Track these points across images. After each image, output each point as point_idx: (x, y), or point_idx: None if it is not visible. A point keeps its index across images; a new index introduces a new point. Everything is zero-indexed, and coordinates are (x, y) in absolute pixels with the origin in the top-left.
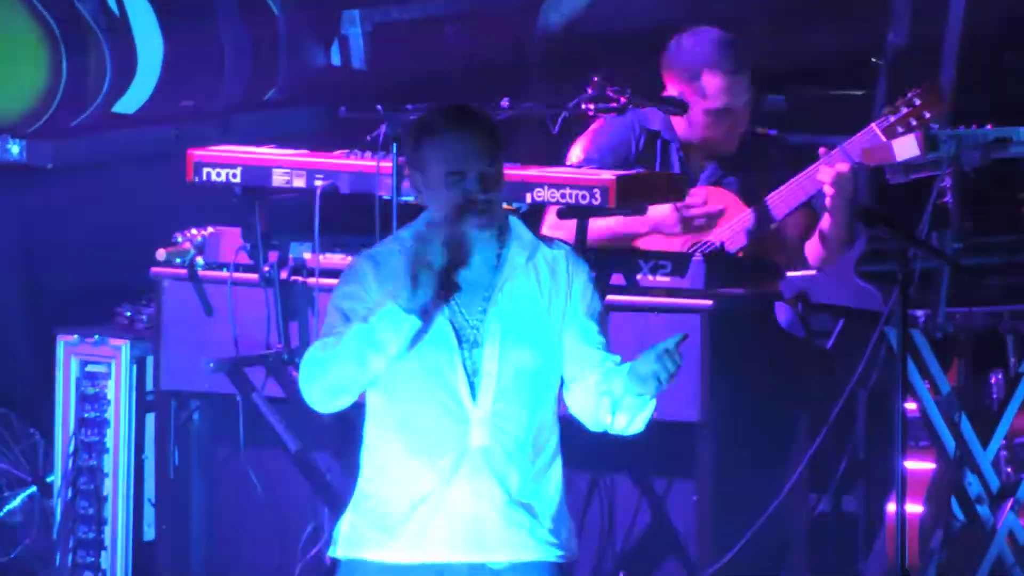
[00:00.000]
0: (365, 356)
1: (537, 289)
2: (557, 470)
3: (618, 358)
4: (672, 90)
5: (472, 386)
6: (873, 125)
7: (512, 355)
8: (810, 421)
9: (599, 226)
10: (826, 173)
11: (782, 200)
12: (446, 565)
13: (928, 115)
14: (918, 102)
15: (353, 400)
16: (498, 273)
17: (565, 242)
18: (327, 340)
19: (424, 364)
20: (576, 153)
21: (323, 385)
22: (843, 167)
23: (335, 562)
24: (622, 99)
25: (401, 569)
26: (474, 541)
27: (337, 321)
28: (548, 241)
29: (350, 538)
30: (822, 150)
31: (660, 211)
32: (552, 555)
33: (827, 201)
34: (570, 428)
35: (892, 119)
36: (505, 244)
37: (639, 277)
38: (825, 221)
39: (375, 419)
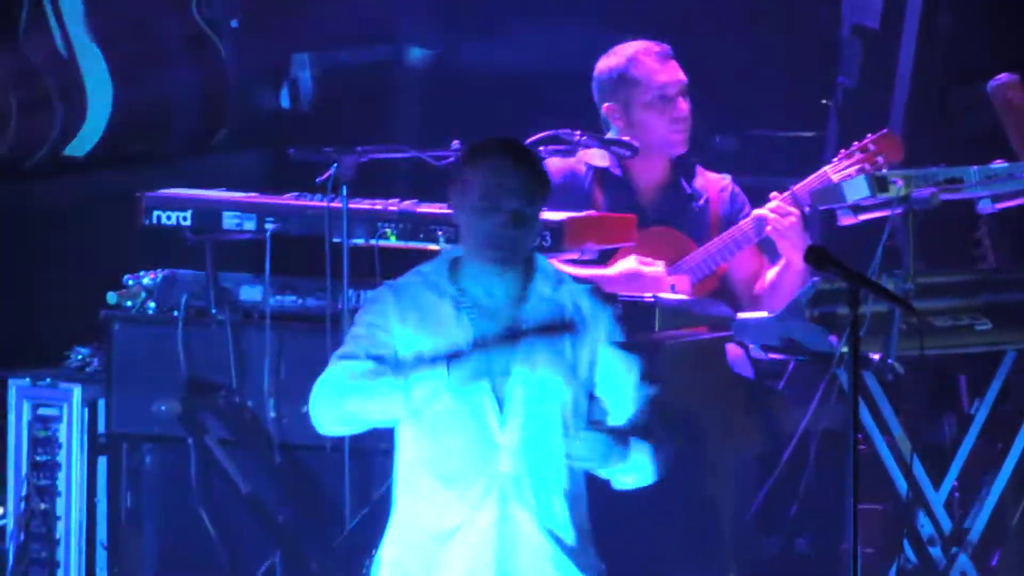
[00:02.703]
0: (392, 404)
1: (562, 320)
2: (583, 499)
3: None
4: (608, 108)
5: (501, 415)
6: (825, 169)
7: (539, 384)
8: (762, 463)
9: None
10: (775, 220)
11: (732, 241)
12: None
13: (882, 161)
14: (873, 148)
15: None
16: (524, 304)
17: (590, 280)
18: (351, 368)
19: (454, 395)
20: None
21: (339, 413)
22: (792, 213)
23: None
24: (573, 140)
25: None
26: (503, 569)
27: (359, 346)
28: (572, 277)
29: (394, 568)
30: (773, 194)
31: (624, 266)
32: None
33: (778, 247)
34: None
35: (846, 164)
36: (531, 278)
37: None
38: (777, 265)
39: (405, 451)
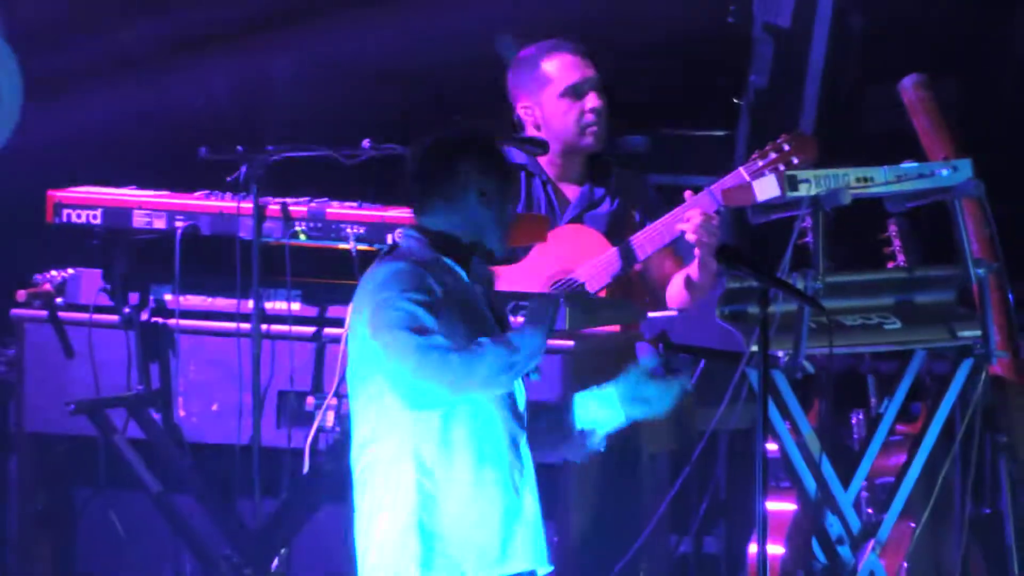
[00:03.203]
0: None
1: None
2: None
3: None
4: (522, 106)
5: (520, 397)
6: (741, 168)
7: None
8: (671, 462)
9: None
10: (689, 220)
11: (646, 241)
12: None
13: (796, 161)
14: (787, 147)
15: None
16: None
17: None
18: (444, 344)
19: None
20: None
21: (485, 373)
22: (707, 214)
23: None
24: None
25: None
26: (542, 548)
27: (420, 320)
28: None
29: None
30: (687, 193)
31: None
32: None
33: (695, 250)
34: None
35: (760, 163)
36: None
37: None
38: (691, 266)
39: (435, 446)
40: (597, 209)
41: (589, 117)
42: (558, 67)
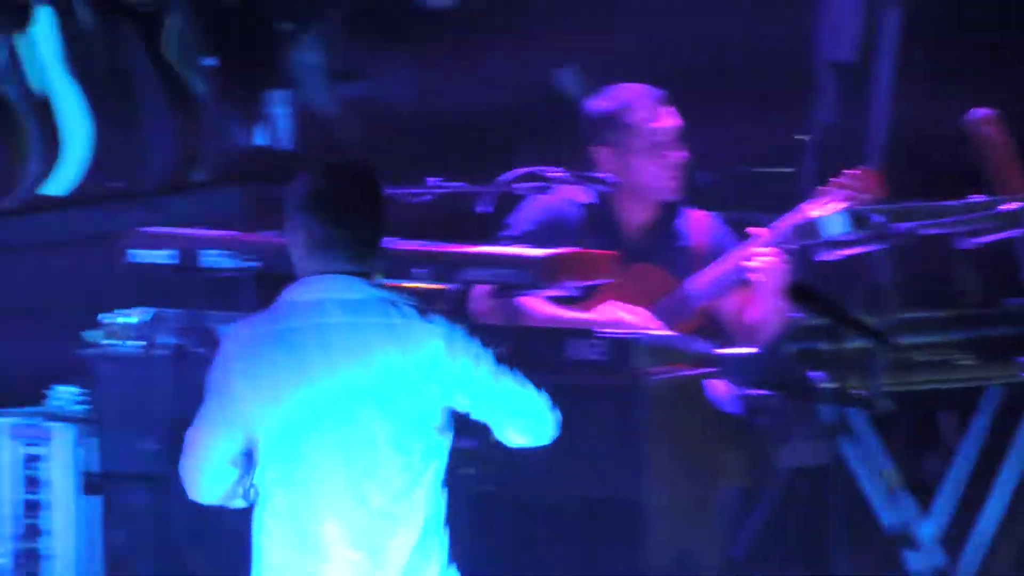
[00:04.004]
0: None
1: None
2: None
3: None
4: (598, 150)
5: None
6: (807, 205)
7: None
8: (747, 497)
9: (539, 316)
10: (754, 258)
11: (714, 278)
12: None
13: (861, 196)
14: (852, 183)
15: None
16: None
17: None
18: None
19: None
20: (513, 229)
21: None
22: (772, 252)
23: None
24: (549, 177)
25: None
26: None
27: None
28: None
29: None
30: (753, 230)
31: (608, 312)
32: None
33: (756, 288)
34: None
35: (825, 200)
36: None
37: (574, 355)
38: (758, 303)
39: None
40: (666, 249)
41: (669, 171)
42: (641, 119)
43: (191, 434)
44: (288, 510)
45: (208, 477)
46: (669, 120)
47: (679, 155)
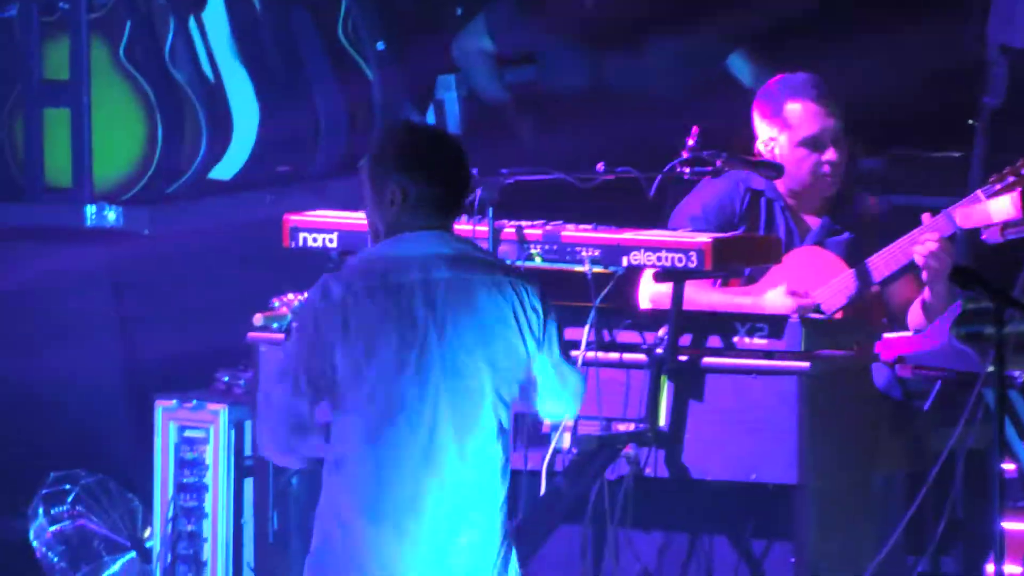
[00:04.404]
0: None
1: None
2: None
3: None
4: (762, 137)
5: None
6: (979, 192)
7: None
8: (908, 482)
9: (704, 301)
10: (924, 243)
11: (883, 263)
12: None
13: None
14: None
15: None
16: None
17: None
18: None
19: None
20: (681, 214)
21: None
22: (943, 238)
23: None
24: (717, 162)
25: None
26: None
27: None
28: None
29: None
30: (925, 216)
31: (774, 299)
32: None
33: (923, 274)
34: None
35: (998, 186)
36: None
37: (735, 339)
38: (925, 290)
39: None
40: (838, 236)
41: (825, 169)
42: (799, 114)
43: (270, 388)
44: (380, 463)
45: (292, 432)
46: (824, 118)
47: (832, 155)
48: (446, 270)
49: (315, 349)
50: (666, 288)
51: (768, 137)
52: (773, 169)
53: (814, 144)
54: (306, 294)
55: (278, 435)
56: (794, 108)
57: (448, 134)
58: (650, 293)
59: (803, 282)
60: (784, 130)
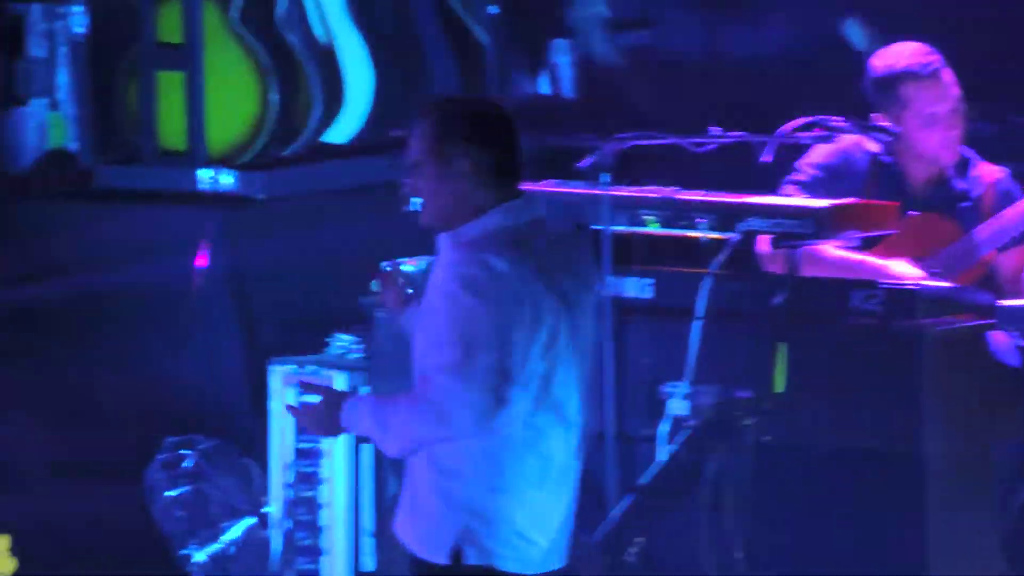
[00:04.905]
0: None
1: None
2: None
3: None
4: (878, 108)
5: None
6: None
7: None
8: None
9: (833, 257)
10: None
11: (999, 230)
12: None
13: None
14: None
15: None
16: None
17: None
18: None
19: None
20: (795, 179)
21: None
22: None
23: None
24: (833, 126)
25: None
26: None
27: None
28: None
29: None
30: None
31: (902, 269)
32: None
33: None
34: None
35: None
36: None
37: (851, 307)
38: None
39: None
40: (952, 200)
41: (944, 142)
42: (916, 92)
43: (463, 359)
44: (539, 431)
45: (498, 402)
46: (944, 92)
47: (952, 130)
48: (550, 234)
49: (502, 321)
50: (785, 251)
51: (886, 116)
52: (888, 134)
53: (932, 120)
54: (419, 262)
55: (486, 401)
56: (910, 86)
57: (500, 105)
58: (770, 255)
59: (919, 249)
60: (902, 109)
